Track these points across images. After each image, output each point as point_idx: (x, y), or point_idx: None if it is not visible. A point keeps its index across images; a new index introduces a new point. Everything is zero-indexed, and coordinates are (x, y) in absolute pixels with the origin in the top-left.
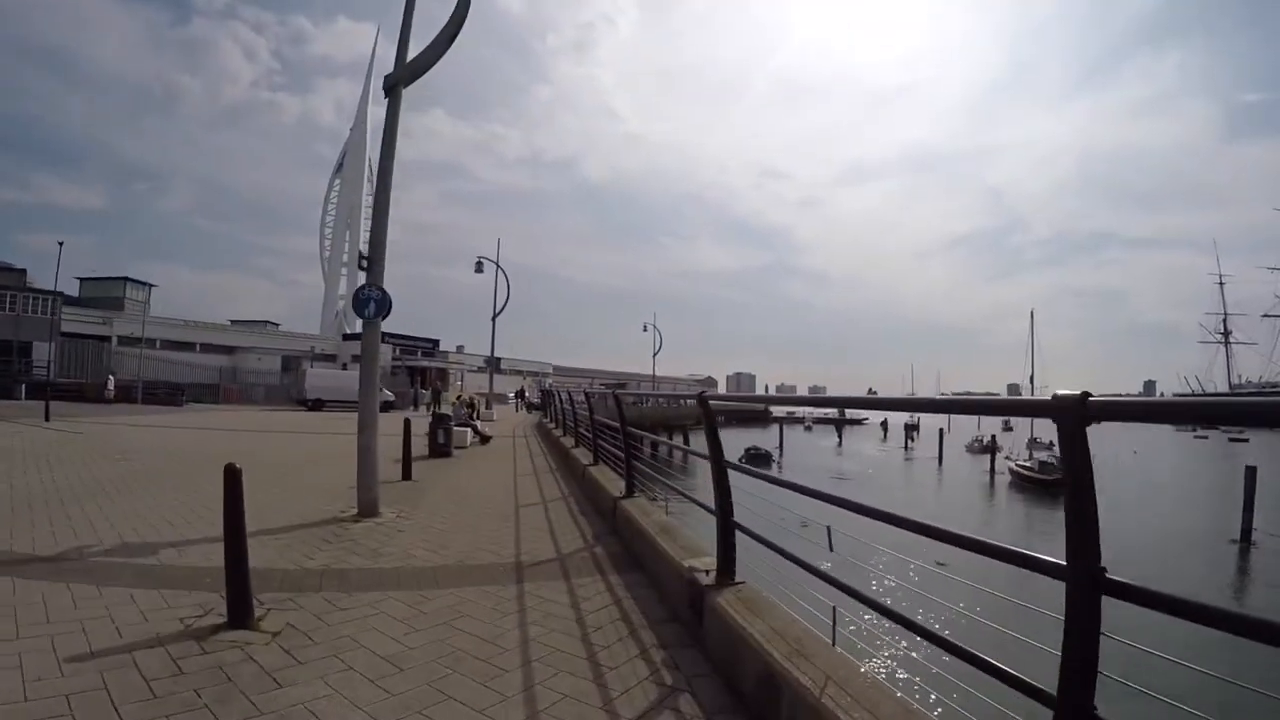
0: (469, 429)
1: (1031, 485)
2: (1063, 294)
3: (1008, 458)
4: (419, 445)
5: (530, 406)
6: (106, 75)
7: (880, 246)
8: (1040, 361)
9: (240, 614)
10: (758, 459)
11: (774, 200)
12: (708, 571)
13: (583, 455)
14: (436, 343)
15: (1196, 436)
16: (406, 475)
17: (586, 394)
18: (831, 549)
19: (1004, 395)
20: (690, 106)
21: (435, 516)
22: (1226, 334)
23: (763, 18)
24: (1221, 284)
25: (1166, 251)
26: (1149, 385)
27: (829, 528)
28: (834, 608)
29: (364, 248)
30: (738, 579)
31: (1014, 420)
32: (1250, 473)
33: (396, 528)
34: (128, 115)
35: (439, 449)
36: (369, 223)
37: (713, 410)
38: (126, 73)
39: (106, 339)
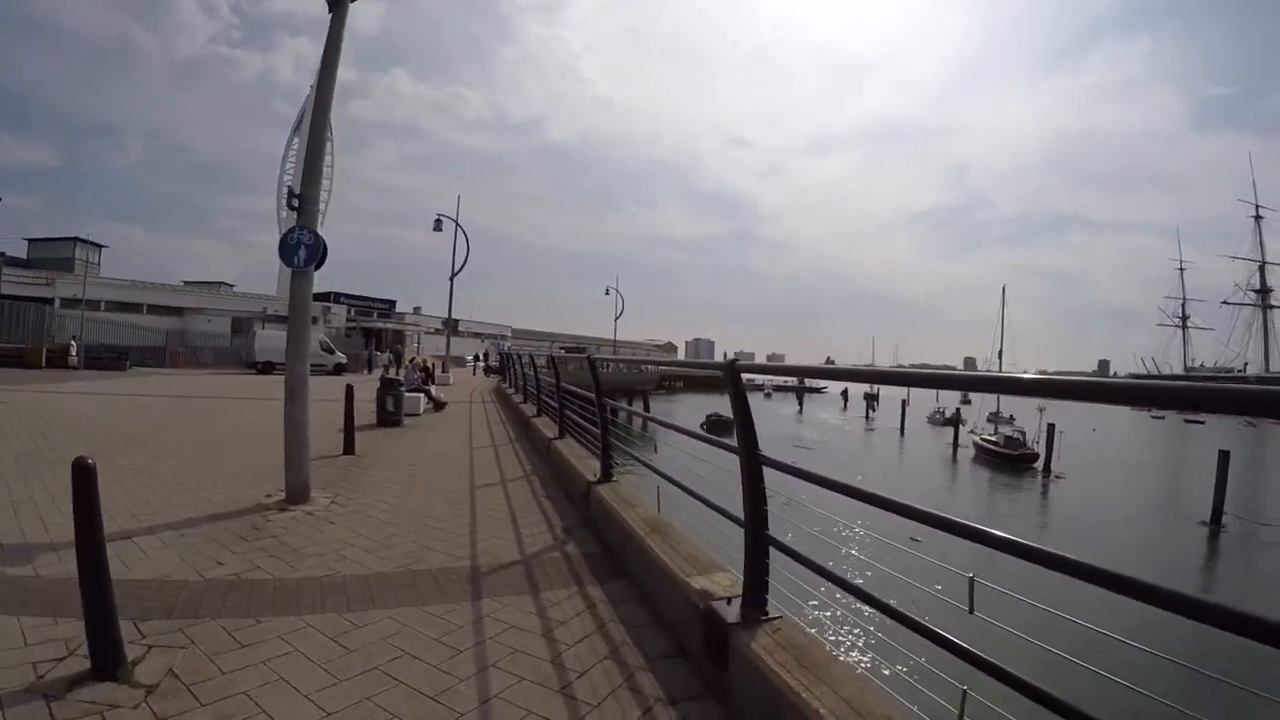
0: (422, 394)
1: (995, 459)
2: (1024, 272)
3: (972, 431)
4: (366, 412)
5: (489, 370)
6: (59, 26)
7: (843, 218)
8: (997, 336)
9: (106, 659)
10: (719, 425)
11: (739, 168)
12: (729, 600)
13: (546, 426)
14: (393, 304)
15: (1154, 416)
16: (349, 449)
17: (552, 358)
18: (972, 610)
19: (961, 369)
20: (660, 72)
21: (377, 501)
22: (1184, 319)
23: None
24: (1182, 270)
25: (1128, 235)
26: (1103, 364)
27: (972, 579)
28: (964, 690)
29: (293, 183)
30: (771, 611)
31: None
32: (1223, 457)
33: (328, 518)
34: (82, 69)
35: (388, 417)
36: (329, 182)
37: (744, 383)
38: (81, 25)
39: (49, 301)
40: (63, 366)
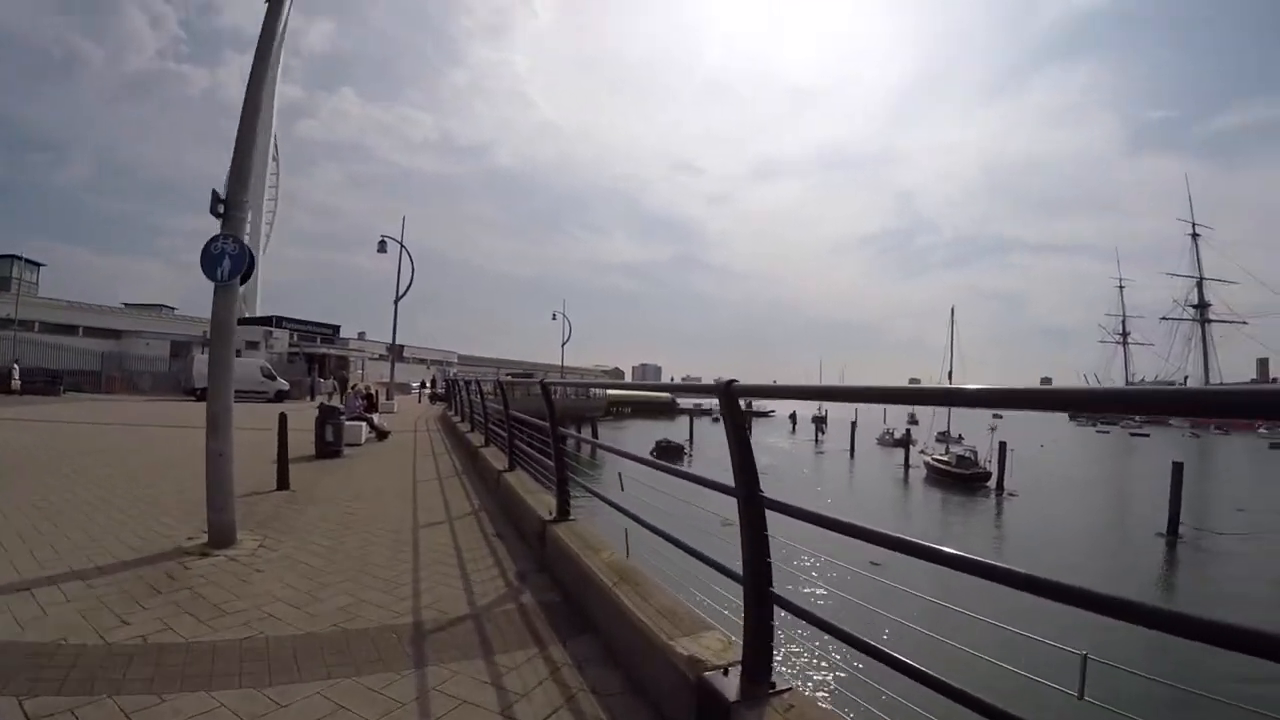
0: (364, 423)
1: (947, 479)
2: (967, 294)
3: (922, 452)
4: (304, 443)
5: (435, 397)
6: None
7: (790, 243)
8: (948, 357)
9: None
10: (669, 451)
11: (685, 193)
12: (725, 669)
13: (495, 457)
14: (337, 329)
15: (1099, 431)
16: (283, 483)
17: (500, 384)
18: (1082, 694)
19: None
20: (606, 97)
21: (310, 544)
22: (1125, 335)
23: (684, 10)
24: (1121, 287)
25: (1067, 257)
26: (1045, 381)
27: (1085, 656)
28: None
29: (220, 188)
30: (778, 683)
31: (919, 413)
32: (1177, 469)
33: (255, 564)
34: (23, 79)
35: (326, 448)
36: (273, 203)
37: (740, 407)
38: (23, 33)
39: None
40: (4, 391)
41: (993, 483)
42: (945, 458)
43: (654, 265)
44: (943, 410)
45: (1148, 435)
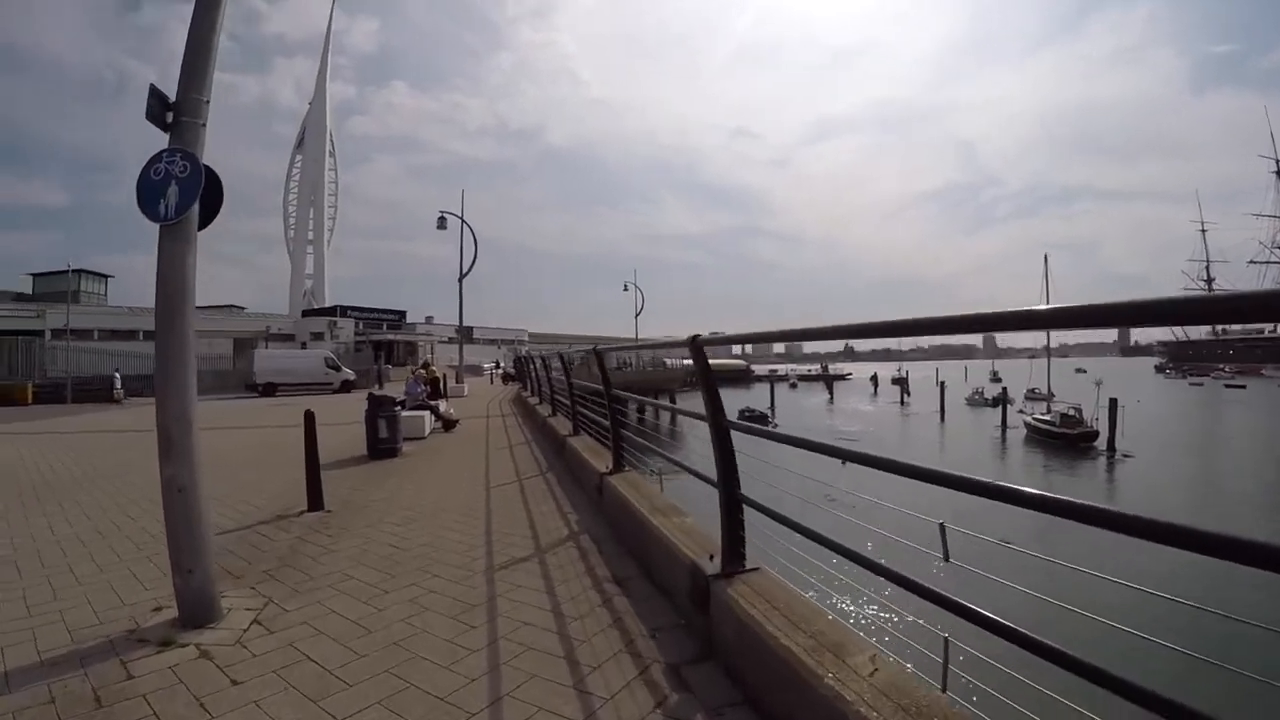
0: (427, 413)
1: (1051, 439)
2: (1035, 246)
3: (1021, 411)
4: (355, 441)
5: (507, 377)
6: (56, 66)
7: (851, 204)
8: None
9: None
10: (754, 419)
11: (742, 161)
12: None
13: (590, 452)
14: (403, 314)
15: (1192, 383)
16: (315, 502)
17: (561, 356)
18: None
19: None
20: (654, 69)
21: (332, 614)
22: (1209, 281)
23: None
24: (1204, 231)
25: (1136, 203)
26: (1123, 334)
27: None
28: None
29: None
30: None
31: (1003, 369)
32: None
33: (238, 662)
34: (81, 106)
35: (381, 447)
36: (333, 198)
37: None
38: (74, 62)
39: (39, 334)
40: (57, 400)
41: (1101, 442)
42: (1047, 416)
43: (715, 235)
44: (1026, 366)
45: (1244, 387)
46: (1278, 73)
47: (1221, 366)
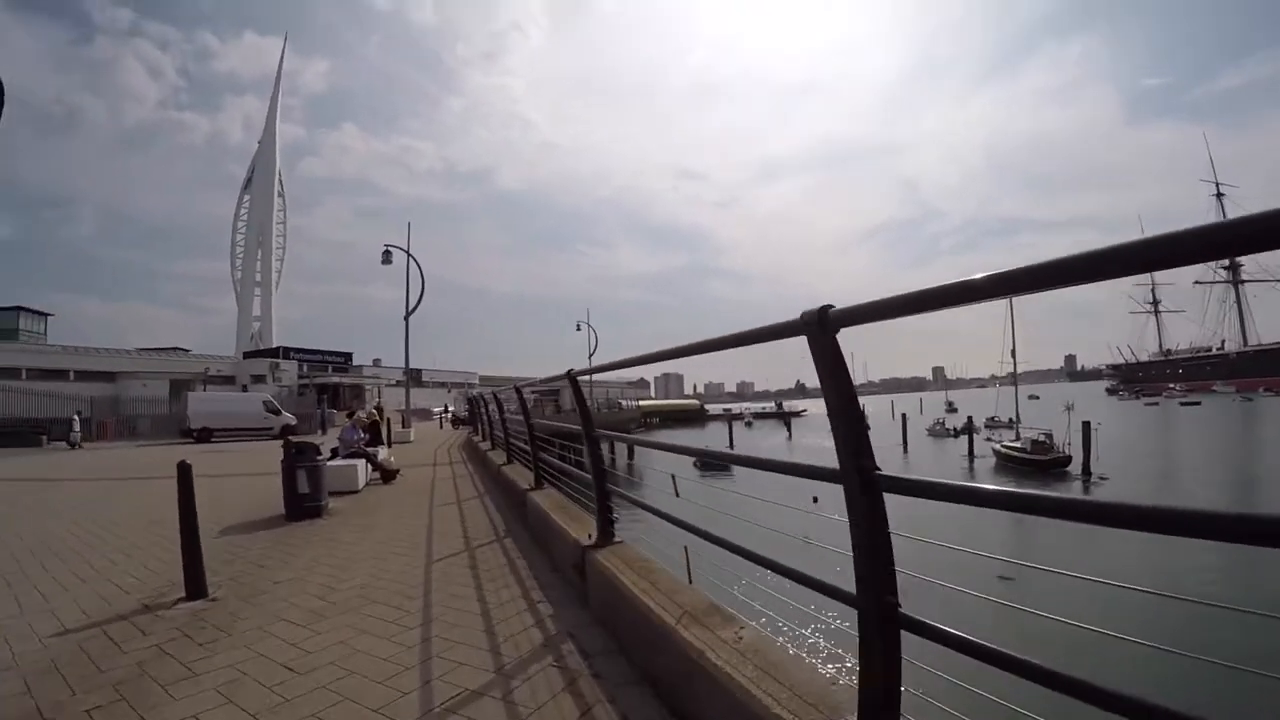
0: (362, 461)
1: (1022, 466)
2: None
3: (988, 439)
4: (271, 498)
5: (458, 421)
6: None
7: (800, 242)
8: (964, 345)
9: None
10: (718, 468)
11: (692, 201)
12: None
13: (562, 513)
14: (349, 356)
15: (1148, 404)
16: (195, 588)
17: (517, 389)
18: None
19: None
20: (604, 112)
21: None
22: (1155, 303)
23: (671, 18)
24: None
25: (1078, 232)
26: (1070, 359)
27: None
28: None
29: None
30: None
31: (956, 400)
32: None
33: None
34: (29, 140)
35: (301, 505)
36: (281, 239)
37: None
38: (26, 95)
39: None
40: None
41: (1074, 467)
42: (1017, 443)
43: (667, 275)
44: (978, 395)
45: (1199, 404)
46: (1209, 102)
47: (1172, 385)
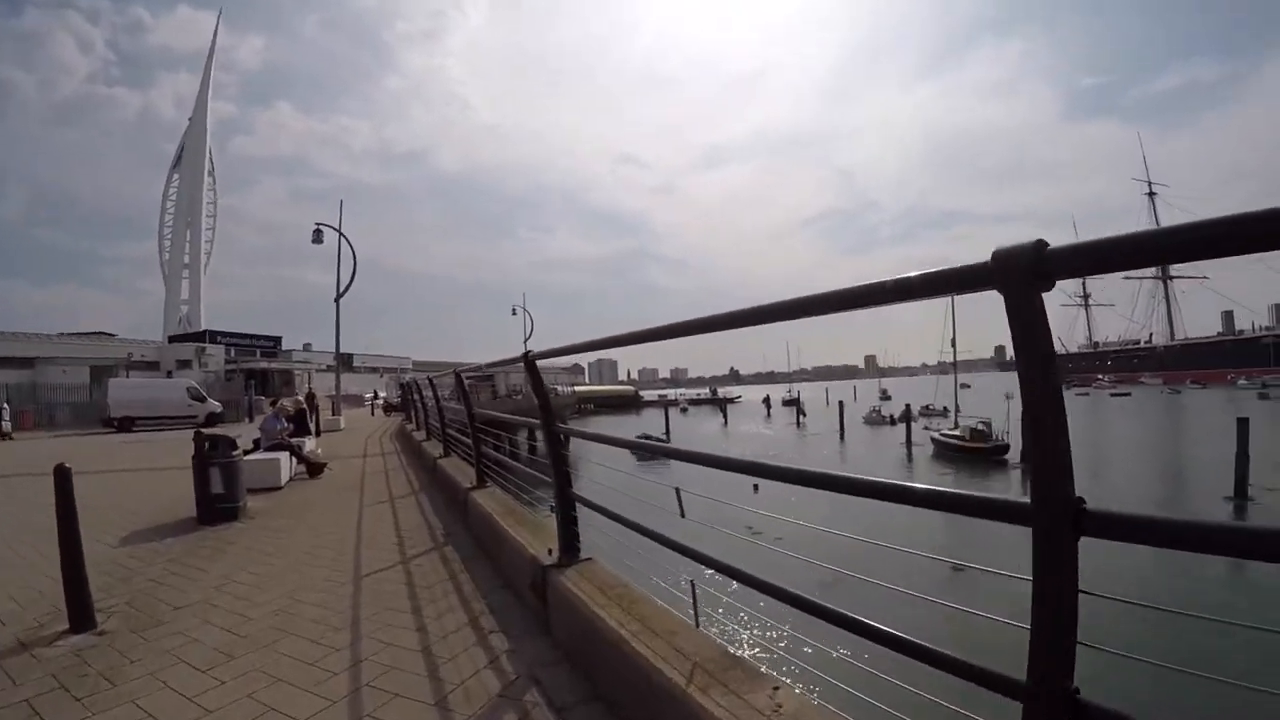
0: (285, 454)
1: (960, 454)
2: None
3: (926, 427)
4: (184, 497)
5: (390, 408)
6: None
7: (738, 229)
8: (896, 334)
9: None
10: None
11: (631, 187)
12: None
13: (514, 521)
14: (278, 341)
15: (1078, 394)
16: (79, 618)
17: (458, 374)
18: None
19: (863, 366)
20: (544, 95)
21: None
22: (1086, 297)
23: (614, 4)
24: None
25: (1013, 225)
26: (999, 349)
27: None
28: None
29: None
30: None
31: (890, 388)
32: (1242, 425)
33: None
34: None
35: (214, 507)
36: (211, 220)
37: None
38: None
39: None
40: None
41: (1013, 455)
42: (956, 431)
43: (605, 260)
44: (910, 383)
45: (1129, 394)
46: (1145, 103)
47: (1101, 377)
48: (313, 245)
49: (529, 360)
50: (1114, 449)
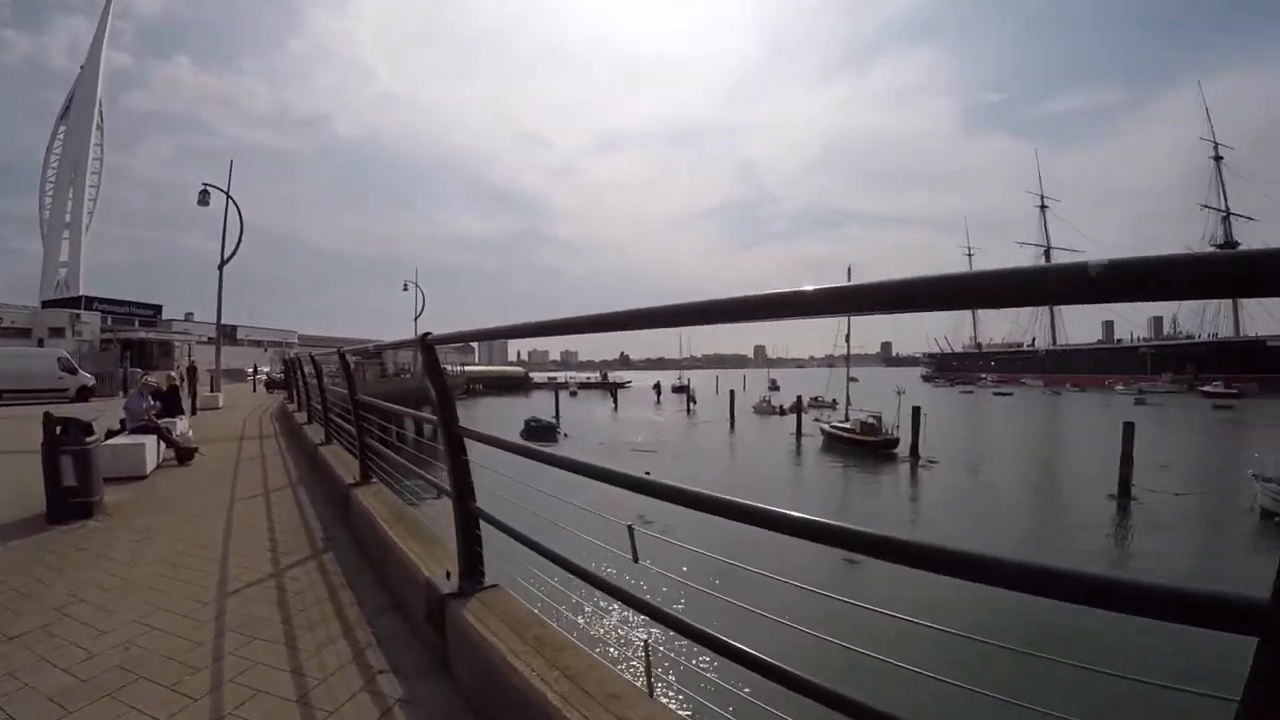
0: (151, 438)
1: (850, 447)
2: (804, 264)
3: (816, 419)
4: (34, 485)
5: (272, 384)
6: None
7: (636, 215)
8: (785, 327)
9: None
10: (541, 431)
11: (531, 166)
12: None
13: (402, 529)
14: (158, 309)
15: (963, 391)
16: None
17: (342, 354)
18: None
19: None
20: (450, 67)
21: None
22: None
23: None
24: (970, 255)
25: (902, 229)
26: (886, 345)
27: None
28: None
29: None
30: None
31: (780, 379)
32: (1128, 428)
33: None
34: None
35: (65, 503)
36: (96, 177)
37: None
38: None
39: None
40: None
41: (903, 449)
42: (846, 424)
43: (502, 240)
44: (797, 374)
45: (1011, 394)
46: (1043, 121)
47: (984, 376)
48: (199, 209)
49: (426, 344)
50: (1000, 445)
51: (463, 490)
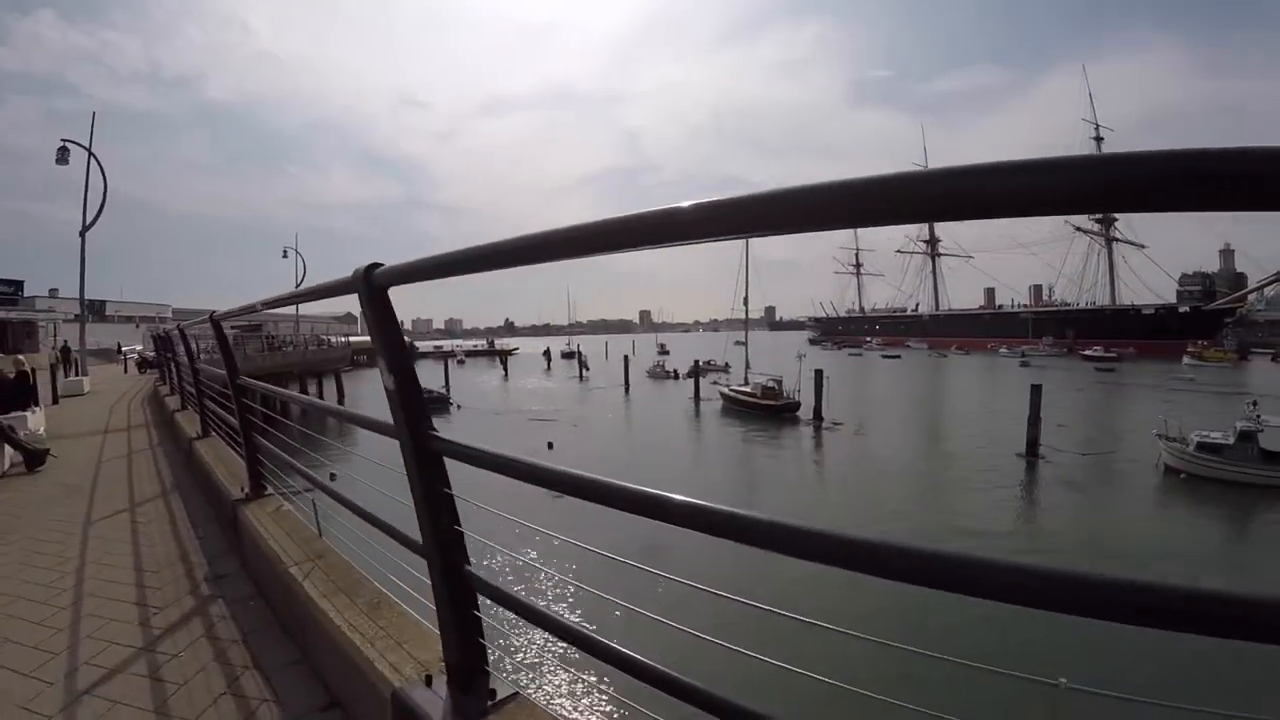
0: None
1: (751, 410)
2: None
3: (715, 383)
4: None
5: (144, 364)
6: None
7: (517, 182)
8: (668, 291)
9: None
10: (432, 404)
11: (411, 130)
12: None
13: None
14: (19, 286)
15: (851, 354)
16: None
17: (214, 319)
18: None
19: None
20: (331, 25)
21: None
22: (859, 266)
23: None
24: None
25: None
26: (770, 310)
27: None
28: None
29: None
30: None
31: (668, 344)
32: (1035, 390)
33: None
34: None
35: None
36: None
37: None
38: None
39: None
40: None
41: (804, 412)
42: (746, 388)
43: (380, 205)
44: (683, 339)
45: (899, 356)
46: (930, 99)
47: (869, 339)
48: (64, 176)
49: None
50: (899, 406)
51: (447, 544)
